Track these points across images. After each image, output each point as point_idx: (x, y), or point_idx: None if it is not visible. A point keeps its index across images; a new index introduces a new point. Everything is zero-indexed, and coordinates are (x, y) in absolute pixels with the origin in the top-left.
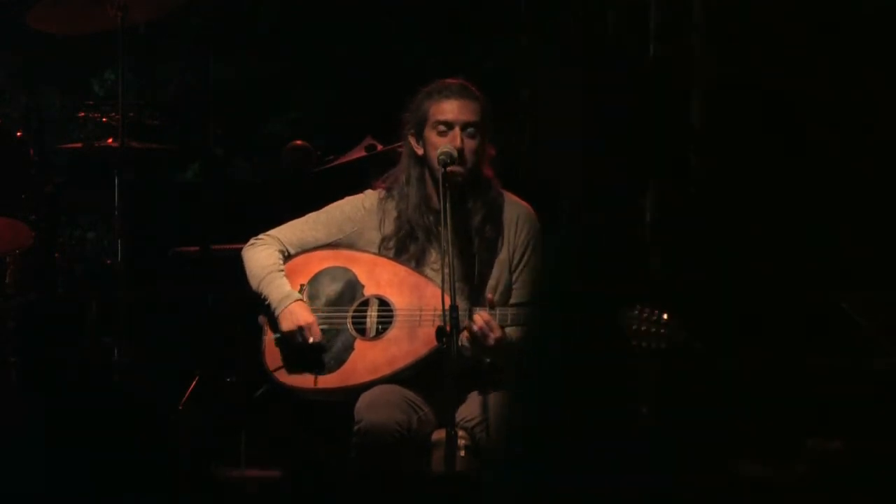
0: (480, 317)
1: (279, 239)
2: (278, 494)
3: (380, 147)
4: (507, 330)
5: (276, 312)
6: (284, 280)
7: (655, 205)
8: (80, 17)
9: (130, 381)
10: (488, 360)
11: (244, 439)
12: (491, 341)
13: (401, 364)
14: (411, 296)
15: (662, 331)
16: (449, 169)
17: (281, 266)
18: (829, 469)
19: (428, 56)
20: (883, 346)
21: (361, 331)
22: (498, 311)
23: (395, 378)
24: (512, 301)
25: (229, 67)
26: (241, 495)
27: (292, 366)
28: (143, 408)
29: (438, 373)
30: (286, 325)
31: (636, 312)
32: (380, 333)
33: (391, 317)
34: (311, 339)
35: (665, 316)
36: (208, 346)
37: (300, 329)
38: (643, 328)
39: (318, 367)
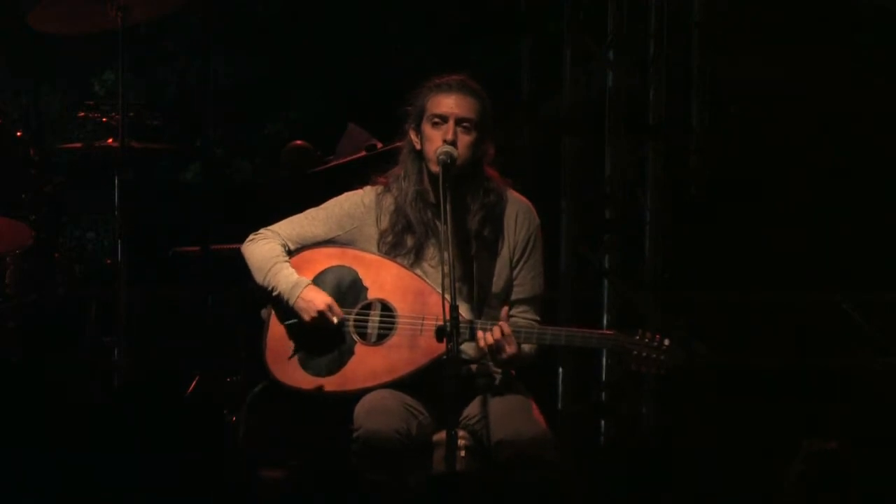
0: (500, 329)
1: (279, 234)
2: (278, 494)
3: (380, 146)
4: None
5: (291, 303)
6: (291, 269)
7: (656, 207)
8: (80, 17)
9: (130, 381)
10: (497, 367)
11: (244, 439)
12: (505, 355)
13: (400, 373)
14: (414, 302)
15: (662, 357)
16: (439, 151)
17: (285, 256)
18: (826, 469)
19: (428, 56)
20: (883, 346)
21: (363, 334)
22: (512, 328)
23: (394, 385)
24: (512, 298)
25: (229, 67)
26: (242, 495)
27: (292, 364)
28: (144, 408)
29: (438, 378)
30: (306, 315)
31: (637, 338)
32: (381, 339)
33: (393, 323)
34: (335, 320)
35: (666, 342)
36: (208, 346)
37: (321, 314)
38: (643, 354)
39: (318, 368)
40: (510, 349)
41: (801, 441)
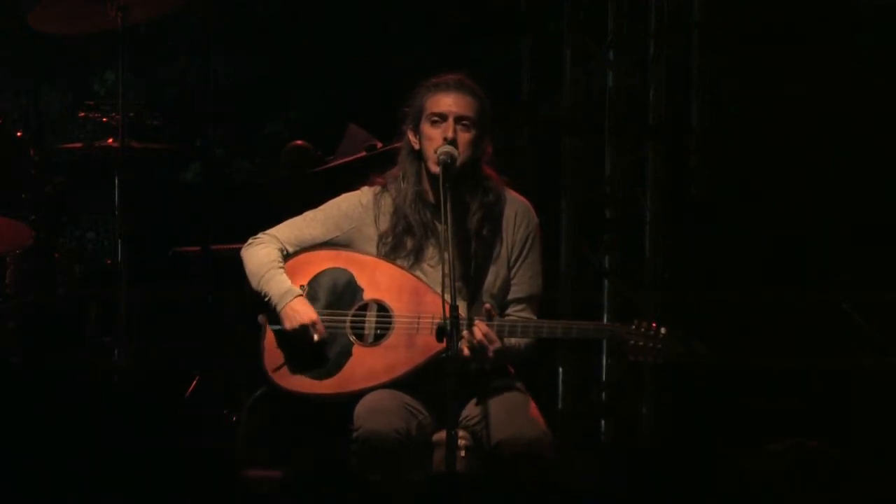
0: (479, 329)
1: (277, 237)
2: (278, 494)
3: (380, 145)
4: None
5: (278, 310)
6: (284, 276)
7: (656, 207)
8: (80, 17)
9: (130, 381)
10: (483, 366)
11: (244, 439)
12: (490, 353)
13: (398, 372)
14: (410, 302)
15: (659, 346)
16: (440, 151)
17: (281, 263)
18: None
19: (428, 56)
20: (883, 346)
21: (360, 336)
22: (496, 323)
23: (393, 385)
24: (510, 297)
25: (229, 67)
26: (242, 496)
27: (290, 368)
28: (143, 408)
29: (437, 377)
30: (289, 323)
31: (633, 327)
32: (378, 339)
33: (390, 323)
34: (315, 337)
35: (662, 330)
36: (208, 346)
37: (304, 327)
38: (640, 343)
39: (316, 371)
40: (493, 346)
41: (787, 441)
